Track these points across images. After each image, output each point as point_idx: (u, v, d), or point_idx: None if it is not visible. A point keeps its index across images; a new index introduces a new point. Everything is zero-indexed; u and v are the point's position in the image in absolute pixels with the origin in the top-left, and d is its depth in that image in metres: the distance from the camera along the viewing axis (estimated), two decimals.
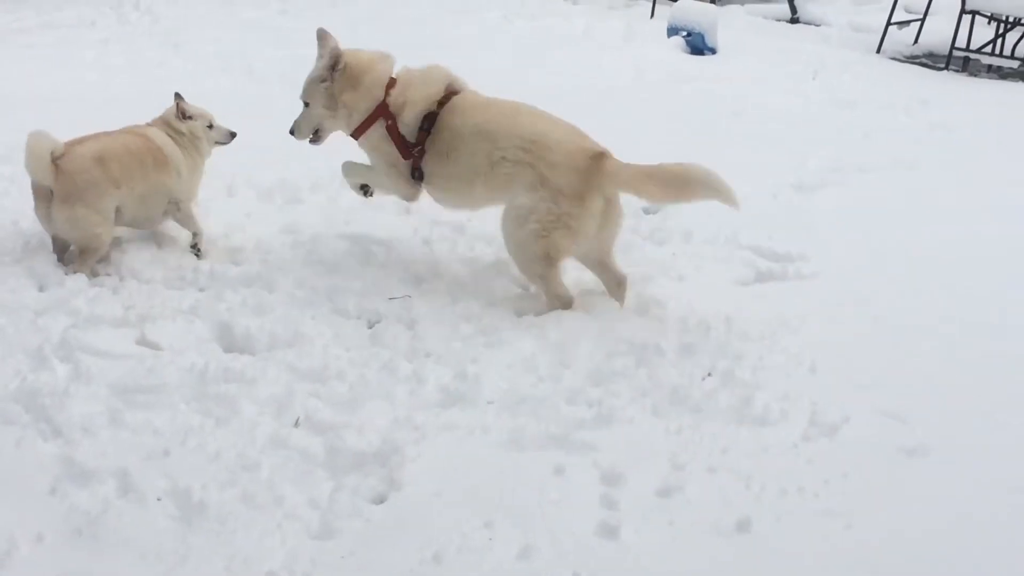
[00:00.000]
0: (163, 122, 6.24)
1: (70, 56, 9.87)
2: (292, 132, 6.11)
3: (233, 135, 6.38)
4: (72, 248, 5.83)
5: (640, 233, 6.55)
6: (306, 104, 6.08)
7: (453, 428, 4.55)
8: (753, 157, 7.94)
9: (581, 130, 5.82)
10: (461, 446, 4.45)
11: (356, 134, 6.02)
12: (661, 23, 11.80)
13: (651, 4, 12.90)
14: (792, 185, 7.42)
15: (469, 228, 6.43)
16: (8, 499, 3.99)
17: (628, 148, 7.91)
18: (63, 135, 6.42)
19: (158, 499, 4.05)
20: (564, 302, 5.63)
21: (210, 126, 6.31)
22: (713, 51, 11.14)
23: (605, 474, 4.30)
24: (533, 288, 5.75)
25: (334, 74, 5.98)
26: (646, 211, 6.86)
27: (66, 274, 5.63)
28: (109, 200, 5.77)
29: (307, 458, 4.32)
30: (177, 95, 6.24)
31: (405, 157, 5.90)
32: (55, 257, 5.84)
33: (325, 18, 11.91)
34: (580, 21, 12.43)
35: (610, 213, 5.69)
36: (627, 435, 4.56)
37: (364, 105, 5.95)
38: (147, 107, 8.03)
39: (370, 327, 5.37)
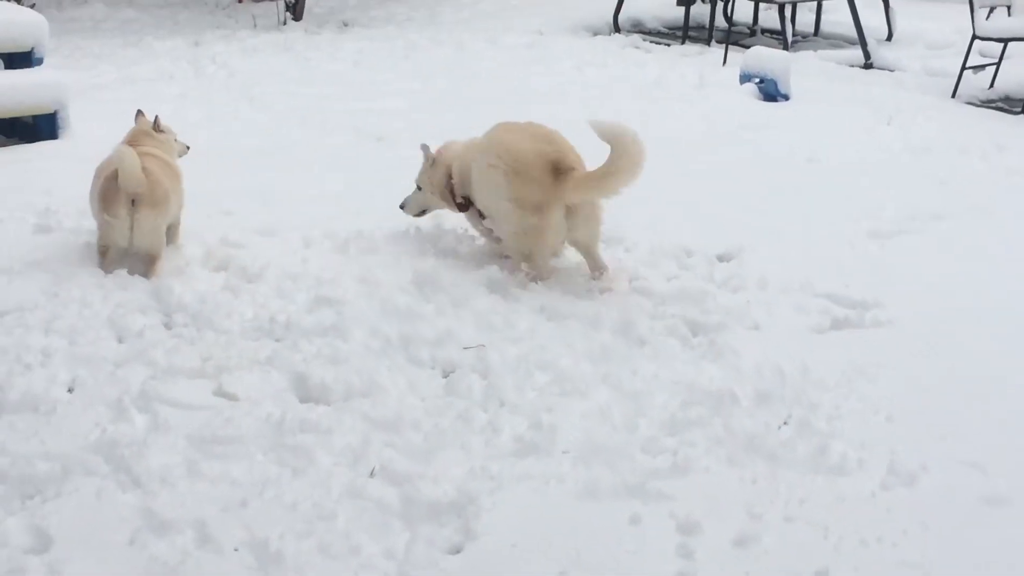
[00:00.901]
0: (145, 136, 6.64)
1: (148, 110, 9.99)
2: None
3: (187, 148, 6.95)
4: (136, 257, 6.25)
5: (714, 281, 6.53)
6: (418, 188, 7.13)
7: (528, 478, 4.54)
8: (828, 204, 7.91)
9: (561, 145, 6.48)
10: (536, 496, 4.44)
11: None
12: (733, 70, 11.79)
13: (723, 51, 12.90)
14: (867, 232, 7.36)
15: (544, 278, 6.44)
16: (89, 550, 4.03)
17: (702, 195, 7.95)
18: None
19: (235, 549, 4.08)
20: (544, 275, 6.42)
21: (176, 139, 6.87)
22: (786, 97, 11.11)
23: (681, 524, 4.27)
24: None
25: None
26: (720, 258, 6.85)
27: (147, 278, 6.17)
28: (170, 213, 6.34)
29: (383, 508, 4.33)
30: (139, 111, 6.76)
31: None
32: (101, 271, 6.24)
33: (399, 71, 12.08)
34: (652, 69, 12.45)
35: (580, 218, 6.35)
36: (703, 484, 4.54)
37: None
38: (223, 160, 8.16)
39: (445, 377, 5.39)
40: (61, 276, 6.19)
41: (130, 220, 6.15)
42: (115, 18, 14.75)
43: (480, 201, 6.65)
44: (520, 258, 6.49)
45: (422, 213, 7.16)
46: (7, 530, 4.08)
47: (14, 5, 10.86)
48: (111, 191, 6.17)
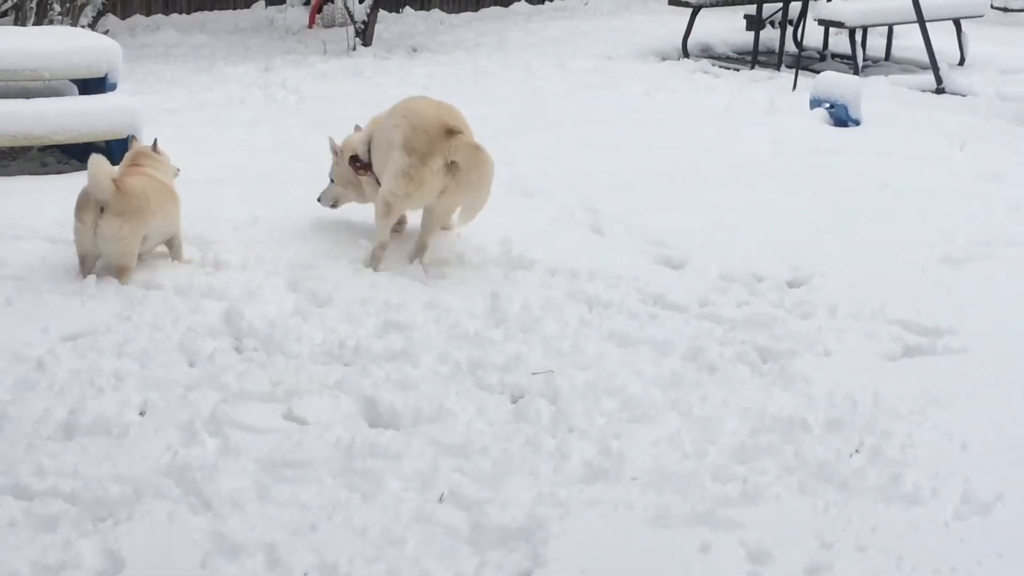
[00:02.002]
0: (144, 157, 6.99)
1: (219, 135, 10.10)
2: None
3: (178, 171, 7.22)
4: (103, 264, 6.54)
5: (784, 307, 6.49)
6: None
7: (597, 504, 4.53)
8: (899, 230, 7.84)
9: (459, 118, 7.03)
10: (605, 523, 4.43)
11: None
12: (803, 95, 11.72)
13: (793, 76, 12.84)
14: (940, 258, 7.29)
15: (613, 303, 6.43)
16: (160, 573, 4.07)
17: (771, 221, 7.91)
18: (218, 215, 6.62)
19: (305, 574, 4.09)
20: (383, 249, 6.98)
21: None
22: (857, 122, 11.03)
23: (752, 552, 4.24)
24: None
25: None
26: (790, 284, 6.81)
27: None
28: (145, 226, 6.52)
29: (452, 533, 4.33)
30: (132, 136, 7.18)
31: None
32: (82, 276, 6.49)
33: (467, 94, 12.09)
34: (721, 94, 12.41)
35: (451, 183, 6.79)
36: (773, 513, 4.50)
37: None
38: (292, 185, 8.20)
39: (513, 402, 5.38)
40: (133, 299, 6.25)
41: (95, 227, 6.40)
42: (187, 44, 14.88)
43: (377, 159, 7.18)
44: (382, 211, 6.97)
45: (335, 204, 7.65)
46: (80, 552, 4.11)
47: (89, 31, 11.00)
48: (83, 198, 6.47)
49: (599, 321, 6.25)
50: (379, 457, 4.81)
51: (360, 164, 7.34)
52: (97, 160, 6.44)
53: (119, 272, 6.50)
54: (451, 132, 6.80)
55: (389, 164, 6.92)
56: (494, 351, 5.82)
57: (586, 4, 19.00)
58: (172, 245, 6.87)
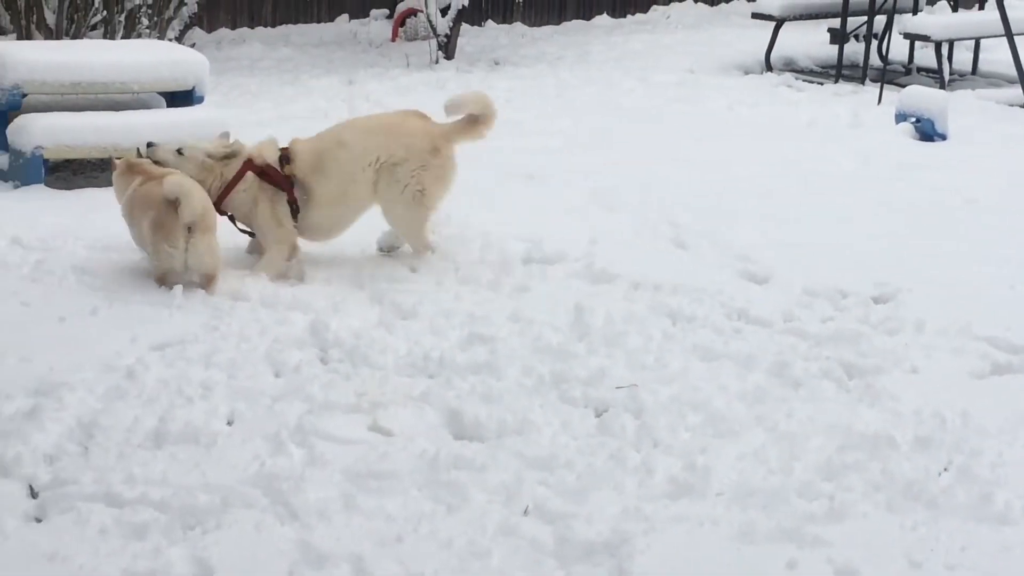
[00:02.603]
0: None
1: None
2: None
3: None
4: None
5: (870, 323, 6.44)
6: None
7: (682, 520, 4.51)
8: (987, 245, 7.76)
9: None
10: (691, 538, 4.41)
11: None
12: (889, 109, 11.62)
13: (878, 90, 12.74)
14: None
15: (697, 317, 6.41)
16: None
17: (857, 236, 7.84)
18: None
19: None
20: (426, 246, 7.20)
21: None
22: (943, 137, 10.93)
23: (839, 570, 4.21)
24: None
25: None
26: (876, 300, 6.75)
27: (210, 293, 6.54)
28: None
29: (536, 547, 4.33)
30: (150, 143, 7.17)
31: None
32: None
33: (549, 108, 12.13)
34: (805, 108, 12.34)
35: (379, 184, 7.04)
36: (861, 530, 4.47)
37: None
38: None
39: (597, 416, 5.38)
40: (221, 310, 6.31)
41: (186, 247, 6.48)
42: (272, 57, 15.01)
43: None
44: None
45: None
46: (170, 560, 4.16)
47: (176, 45, 11.13)
48: (170, 221, 6.46)
49: (683, 335, 6.23)
50: (464, 469, 4.82)
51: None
52: (188, 183, 6.53)
53: (208, 282, 6.57)
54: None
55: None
56: (578, 364, 5.82)
57: (668, 18, 18.94)
58: None
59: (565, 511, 4.54)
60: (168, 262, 6.55)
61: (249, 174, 6.97)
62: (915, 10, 14.41)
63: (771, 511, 4.57)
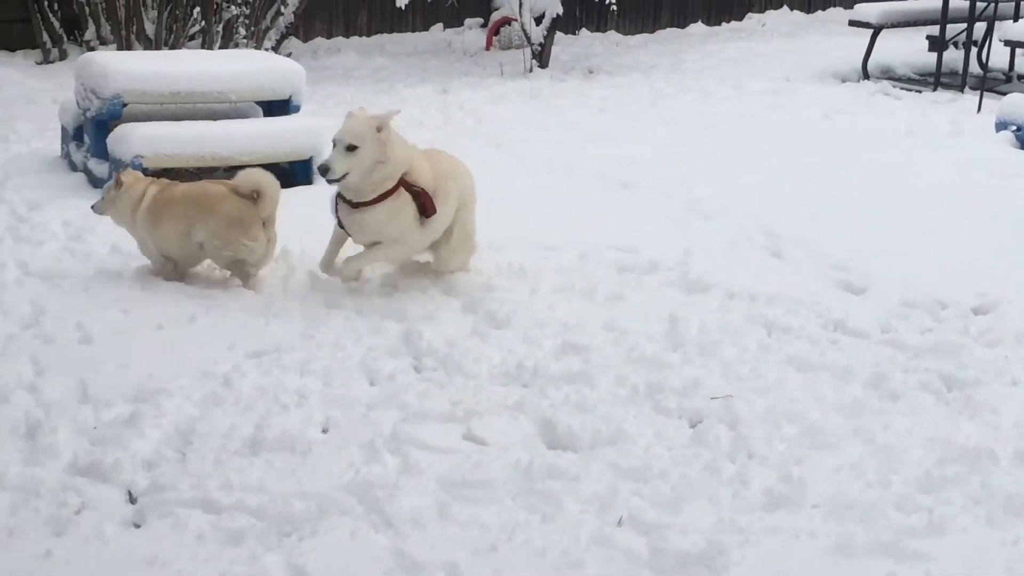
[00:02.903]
0: None
1: None
2: None
3: None
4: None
5: (970, 335, 6.34)
6: None
7: (778, 532, 4.48)
8: None
9: None
10: (787, 550, 4.38)
11: None
12: (989, 117, 11.46)
13: (978, 98, 12.57)
14: None
15: (793, 327, 6.36)
16: None
17: (956, 246, 7.74)
18: None
19: None
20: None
21: None
22: None
23: None
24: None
25: None
26: (976, 311, 6.66)
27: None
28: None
29: (631, 558, 4.32)
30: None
31: None
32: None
33: (644, 117, 12.10)
34: (903, 116, 12.20)
35: None
36: (961, 545, 4.40)
37: None
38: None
39: (692, 427, 5.35)
40: (316, 319, 6.36)
41: (267, 238, 6.83)
42: (366, 66, 15.12)
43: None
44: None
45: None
46: (266, 566, 4.19)
47: (273, 55, 11.24)
48: (251, 215, 6.72)
49: (778, 346, 6.18)
50: (558, 479, 4.81)
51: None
52: (268, 176, 6.81)
53: (253, 274, 6.88)
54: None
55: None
56: (672, 374, 5.79)
57: (763, 26, 18.85)
58: None
59: (659, 522, 4.52)
60: (248, 255, 6.74)
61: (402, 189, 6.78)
62: (1016, 17, 14.23)
63: (868, 524, 4.51)
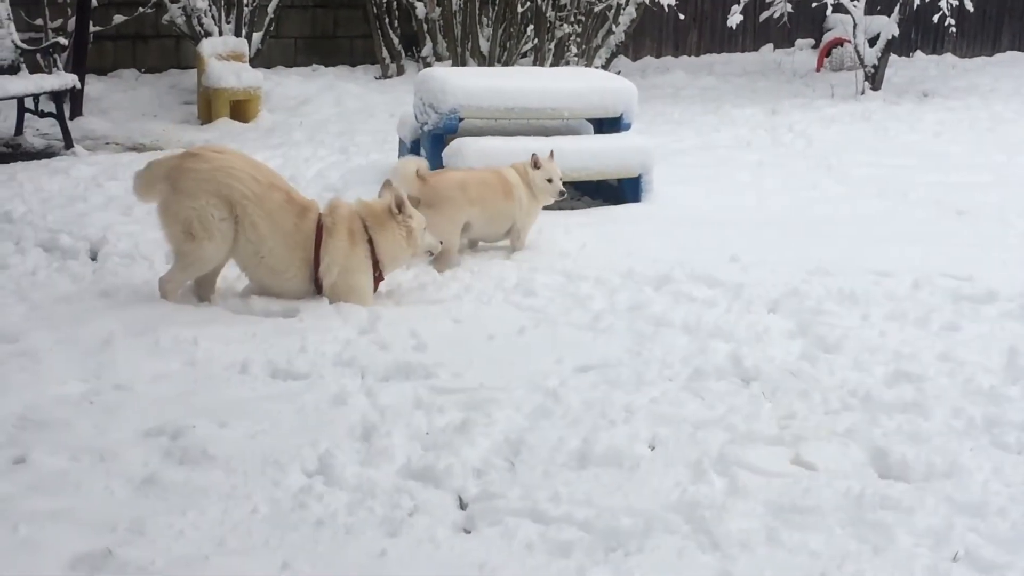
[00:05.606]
0: (520, 167, 8.13)
1: (726, 176, 10.19)
2: None
3: (562, 193, 8.13)
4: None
5: None
6: None
7: None
8: None
9: None
10: None
11: None
12: None
13: None
14: None
15: None
16: None
17: None
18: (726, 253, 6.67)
19: None
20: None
21: (549, 180, 8.06)
22: None
23: None
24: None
25: None
26: None
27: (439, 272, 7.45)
28: (461, 215, 7.70)
29: None
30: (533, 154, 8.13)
31: None
32: None
33: (981, 142, 11.72)
34: None
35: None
36: None
37: None
38: (797, 229, 8.17)
39: None
40: (644, 335, 6.38)
41: None
42: (695, 85, 15.13)
43: None
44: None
45: None
46: None
47: (606, 73, 11.34)
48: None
49: None
50: (890, 510, 4.67)
51: None
52: (405, 160, 7.97)
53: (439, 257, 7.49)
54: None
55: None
56: (1011, 409, 5.57)
57: None
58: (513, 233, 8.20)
59: (998, 560, 4.33)
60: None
61: None
62: None
63: None
